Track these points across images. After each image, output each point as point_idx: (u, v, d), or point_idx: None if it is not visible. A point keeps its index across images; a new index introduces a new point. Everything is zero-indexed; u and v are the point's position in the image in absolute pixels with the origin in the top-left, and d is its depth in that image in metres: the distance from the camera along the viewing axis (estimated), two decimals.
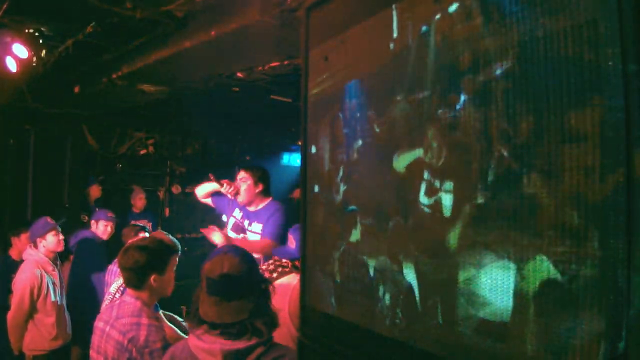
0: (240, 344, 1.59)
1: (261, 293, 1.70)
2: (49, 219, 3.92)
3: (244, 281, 1.64)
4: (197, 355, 1.63)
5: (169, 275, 2.29)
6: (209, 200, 4.12)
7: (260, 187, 3.71)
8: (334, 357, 1.29)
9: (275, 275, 2.52)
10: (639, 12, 0.68)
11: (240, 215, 3.84)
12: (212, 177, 3.87)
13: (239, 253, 1.72)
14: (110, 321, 2.13)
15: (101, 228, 4.55)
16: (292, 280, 2.44)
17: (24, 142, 5.08)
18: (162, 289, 2.25)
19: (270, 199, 3.82)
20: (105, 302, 2.90)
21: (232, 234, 3.79)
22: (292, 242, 2.67)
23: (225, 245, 1.97)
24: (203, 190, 4.08)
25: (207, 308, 1.63)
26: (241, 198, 3.70)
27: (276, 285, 2.31)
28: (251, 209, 3.78)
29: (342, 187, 1.30)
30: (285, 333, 2.08)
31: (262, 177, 3.74)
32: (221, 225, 3.94)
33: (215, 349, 1.59)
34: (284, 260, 2.62)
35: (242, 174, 3.73)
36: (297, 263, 2.49)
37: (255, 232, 3.72)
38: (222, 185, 3.75)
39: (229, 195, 3.75)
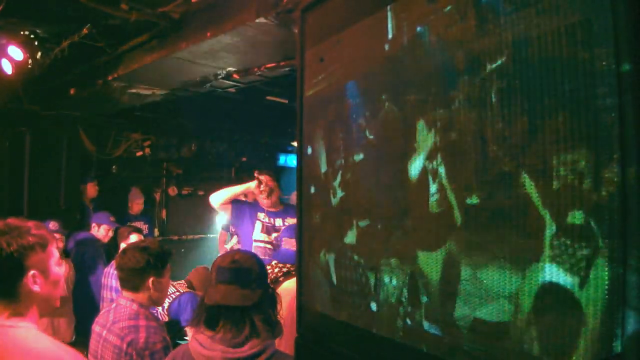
0: (241, 352, 1.58)
1: (268, 297, 1.70)
2: (51, 225, 3.91)
3: (253, 272, 1.66)
4: None
5: (166, 279, 2.27)
6: (228, 207, 3.94)
7: (278, 188, 3.94)
8: (331, 357, 1.29)
9: (289, 277, 2.48)
10: (633, 11, 0.68)
11: (267, 219, 3.91)
12: (257, 174, 3.83)
13: (250, 253, 1.79)
14: (107, 325, 2.11)
15: (102, 232, 4.53)
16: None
17: (19, 145, 5.05)
18: (159, 293, 2.23)
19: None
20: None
21: (262, 236, 3.84)
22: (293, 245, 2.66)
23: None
24: (228, 195, 3.89)
25: (212, 293, 1.63)
26: (272, 197, 3.83)
27: (285, 289, 2.30)
28: (274, 209, 3.90)
29: (338, 189, 1.30)
30: None
31: (279, 180, 3.97)
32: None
33: (216, 356, 1.58)
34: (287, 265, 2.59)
35: (266, 177, 3.84)
36: None
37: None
38: (260, 182, 3.79)
39: (261, 196, 3.80)
